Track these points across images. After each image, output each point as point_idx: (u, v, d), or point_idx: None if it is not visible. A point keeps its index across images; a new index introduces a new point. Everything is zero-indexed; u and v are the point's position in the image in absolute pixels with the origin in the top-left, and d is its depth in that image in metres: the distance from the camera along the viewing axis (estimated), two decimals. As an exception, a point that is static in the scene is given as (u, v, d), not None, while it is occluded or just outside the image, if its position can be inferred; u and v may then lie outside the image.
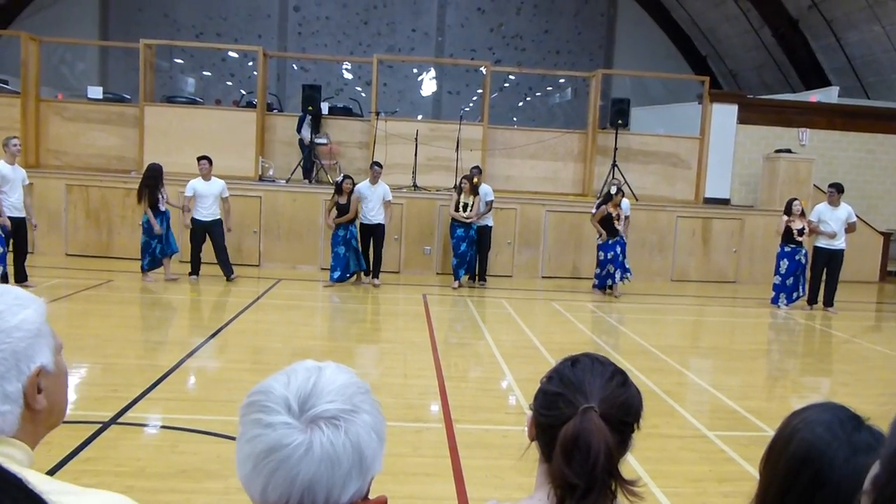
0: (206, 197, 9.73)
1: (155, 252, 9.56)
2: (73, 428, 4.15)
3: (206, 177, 9.75)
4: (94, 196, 11.19)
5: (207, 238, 9.84)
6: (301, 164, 12.35)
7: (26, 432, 1.01)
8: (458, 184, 10.41)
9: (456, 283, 10.30)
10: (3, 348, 0.98)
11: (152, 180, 9.45)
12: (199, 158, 9.78)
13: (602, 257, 10.35)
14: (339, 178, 10.00)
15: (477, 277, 10.69)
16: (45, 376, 1.03)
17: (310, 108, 12.31)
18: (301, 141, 12.58)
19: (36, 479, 0.93)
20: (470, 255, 10.30)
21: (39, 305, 1.06)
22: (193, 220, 9.73)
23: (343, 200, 9.79)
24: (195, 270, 9.86)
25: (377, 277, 10.13)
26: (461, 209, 10.17)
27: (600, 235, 10.34)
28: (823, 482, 1.10)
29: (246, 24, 20.22)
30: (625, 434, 1.18)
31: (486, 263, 10.78)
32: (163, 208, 9.55)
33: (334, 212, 9.86)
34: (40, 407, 1.02)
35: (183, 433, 4.34)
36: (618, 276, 10.29)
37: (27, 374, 1.00)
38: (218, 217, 9.84)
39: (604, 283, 10.36)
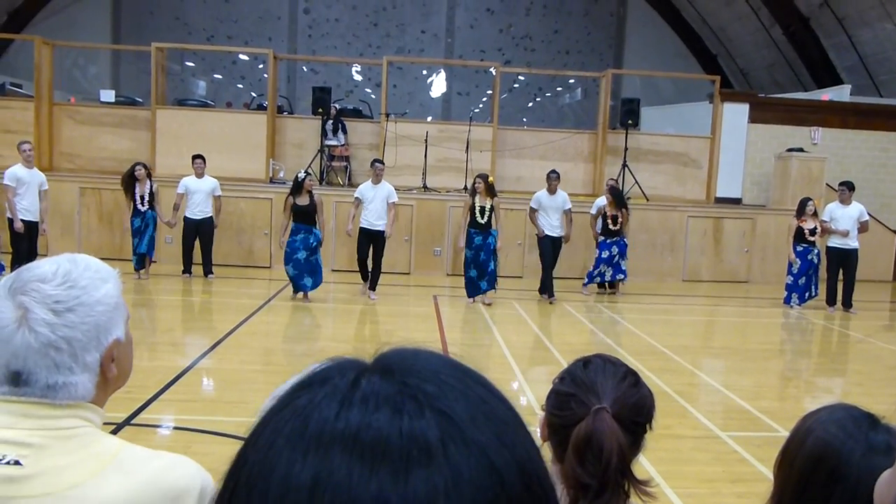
0: (196, 194, 9.79)
1: (137, 250, 9.63)
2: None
3: (200, 175, 9.82)
4: (106, 199, 11.27)
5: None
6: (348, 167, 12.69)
7: (98, 396, 1.09)
8: (472, 185, 9.14)
9: (471, 301, 9.07)
10: (87, 321, 1.04)
11: (125, 178, 9.60)
12: (194, 157, 9.88)
13: (597, 255, 10.16)
14: (302, 175, 8.63)
15: (544, 292, 9.60)
16: (118, 346, 1.10)
17: (320, 109, 12.35)
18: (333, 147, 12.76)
19: (115, 444, 1.06)
20: (491, 267, 8.97)
21: (116, 278, 1.13)
22: (185, 219, 9.79)
23: (303, 201, 8.47)
24: (188, 269, 9.90)
25: (374, 290, 9.13)
26: (477, 213, 8.86)
27: (595, 235, 10.26)
28: (840, 479, 1.11)
29: (256, 27, 20.31)
30: (637, 434, 1.18)
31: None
32: (142, 208, 9.56)
33: (288, 225, 8.56)
34: (112, 375, 1.09)
35: (196, 434, 4.37)
36: (608, 275, 10.11)
37: (105, 346, 1.07)
38: (209, 215, 9.90)
39: (591, 282, 10.18)
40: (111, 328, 1.08)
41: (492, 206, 8.87)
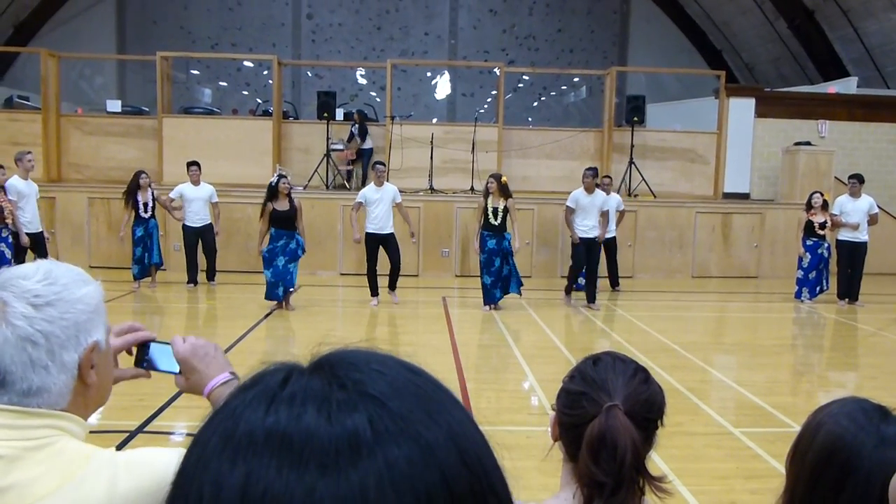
0: (194, 202, 9.65)
1: (143, 260, 9.57)
2: (99, 437, 4.19)
3: (196, 182, 9.69)
4: (115, 208, 11.29)
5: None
6: (358, 171, 12.82)
7: (77, 407, 1.06)
8: (485, 185, 8.78)
9: (487, 308, 8.69)
10: (67, 318, 1.03)
11: (129, 187, 9.55)
12: (189, 164, 9.77)
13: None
14: (274, 179, 8.26)
15: (587, 298, 9.09)
16: (98, 353, 1.08)
17: (325, 114, 12.40)
18: (362, 150, 12.78)
19: (86, 451, 1.03)
20: (506, 271, 8.66)
21: (98, 285, 1.11)
22: (185, 227, 9.68)
23: (282, 206, 8.16)
24: (192, 279, 9.76)
25: (394, 290, 8.94)
26: (490, 215, 8.50)
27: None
28: (852, 471, 1.10)
29: (260, 34, 20.38)
30: (649, 431, 1.18)
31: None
32: (145, 215, 9.52)
33: (266, 230, 8.23)
34: (91, 382, 1.07)
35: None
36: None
37: (84, 347, 1.05)
38: (209, 222, 9.77)
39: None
40: (91, 329, 1.06)
41: (506, 207, 8.48)
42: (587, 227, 8.84)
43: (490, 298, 8.71)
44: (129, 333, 1.26)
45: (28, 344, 1.00)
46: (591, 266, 9.01)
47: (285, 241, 8.23)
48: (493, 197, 8.51)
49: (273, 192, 8.16)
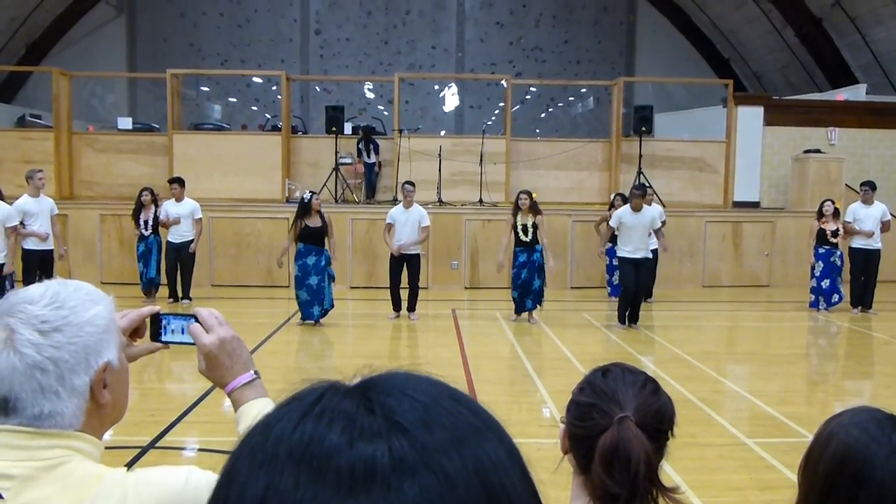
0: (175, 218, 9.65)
1: (143, 276, 9.66)
2: (111, 453, 4.21)
3: (178, 199, 9.64)
4: (126, 225, 11.36)
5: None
6: (364, 184, 12.86)
7: (92, 426, 1.05)
8: (515, 201, 8.75)
9: (515, 317, 8.83)
10: (76, 342, 1.01)
11: (135, 205, 9.66)
12: (170, 182, 9.76)
13: (608, 262, 10.29)
14: (307, 195, 8.22)
15: (627, 319, 8.49)
16: (111, 372, 1.06)
17: (334, 129, 12.47)
18: (365, 164, 12.84)
19: (99, 471, 1.02)
20: (537, 284, 8.60)
21: (109, 302, 1.09)
22: (167, 243, 9.66)
23: (315, 223, 8.12)
24: (173, 294, 9.70)
25: (413, 311, 8.97)
26: (520, 231, 8.53)
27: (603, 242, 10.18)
28: (865, 482, 1.09)
29: (269, 50, 20.55)
30: (660, 442, 1.18)
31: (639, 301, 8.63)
32: (145, 233, 9.58)
33: (292, 245, 8.18)
34: (105, 401, 1.05)
35: (221, 456, 4.38)
36: None
37: (95, 369, 1.03)
38: (189, 239, 9.66)
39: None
40: (101, 350, 1.04)
41: (535, 223, 8.52)
42: (630, 249, 8.32)
43: (519, 309, 8.77)
44: (134, 311, 1.24)
45: (37, 371, 0.98)
46: (637, 285, 8.54)
47: (315, 258, 8.14)
48: (523, 213, 8.52)
49: (306, 209, 8.12)
